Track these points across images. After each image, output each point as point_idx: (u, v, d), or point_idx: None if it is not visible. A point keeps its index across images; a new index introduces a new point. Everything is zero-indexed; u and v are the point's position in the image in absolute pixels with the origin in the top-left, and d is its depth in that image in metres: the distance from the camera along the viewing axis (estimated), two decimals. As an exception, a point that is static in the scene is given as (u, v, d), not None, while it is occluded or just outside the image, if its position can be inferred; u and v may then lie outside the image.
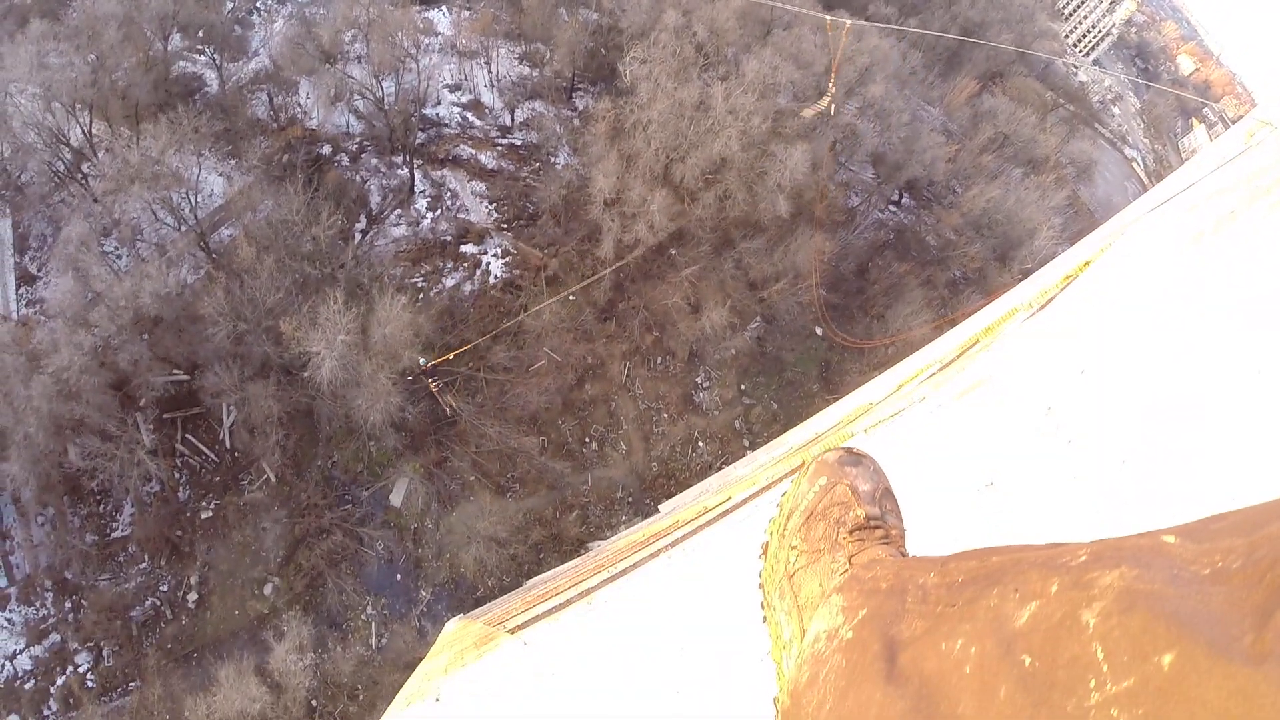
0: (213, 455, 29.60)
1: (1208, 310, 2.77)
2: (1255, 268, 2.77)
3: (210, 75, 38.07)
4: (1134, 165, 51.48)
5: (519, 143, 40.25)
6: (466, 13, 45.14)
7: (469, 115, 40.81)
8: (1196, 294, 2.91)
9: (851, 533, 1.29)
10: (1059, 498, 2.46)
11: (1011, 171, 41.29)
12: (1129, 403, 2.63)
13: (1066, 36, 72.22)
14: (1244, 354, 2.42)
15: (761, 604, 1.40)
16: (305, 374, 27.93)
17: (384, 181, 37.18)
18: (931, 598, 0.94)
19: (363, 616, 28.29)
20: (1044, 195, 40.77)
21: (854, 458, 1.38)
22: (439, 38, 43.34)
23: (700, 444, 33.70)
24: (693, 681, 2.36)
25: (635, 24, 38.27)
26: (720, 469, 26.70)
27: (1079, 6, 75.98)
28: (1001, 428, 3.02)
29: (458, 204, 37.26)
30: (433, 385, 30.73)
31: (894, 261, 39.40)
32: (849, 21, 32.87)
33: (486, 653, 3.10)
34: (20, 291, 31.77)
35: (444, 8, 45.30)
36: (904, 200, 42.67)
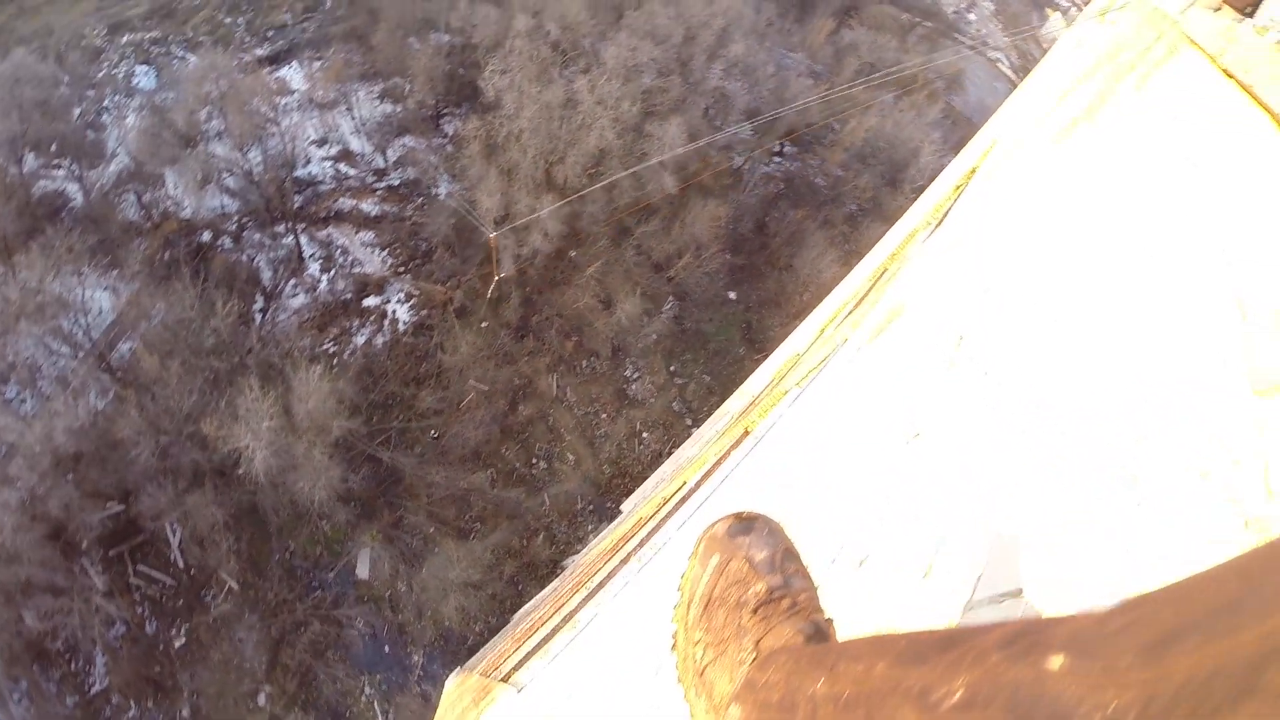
0: (169, 579, 29.02)
1: (1096, 200, 2.69)
2: (1131, 148, 2.74)
3: (73, 188, 36.84)
4: (999, 66, 52.27)
5: (397, 182, 39.67)
6: (317, 63, 44.18)
7: (341, 166, 40.10)
8: (1082, 184, 2.84)
9: (755, 611, 1.18)
10: (984, 437, 2.36)
11: (883, 98, 41.75)
12: (1032, 316, 2.54)
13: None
14: (1136, 239, 2.37)
15: (684, 697, 1.29)
16: (240, 471, 27.54)
17: (271, 255, 36.42)
18: (819, 715, 0.87)
19: (363, 699, 28.05)
20: (919, 113, 41.32)
21: (743, 524, 1.26)
22: (295, 95, 42.40)
23: (644, 435, 33.92)
24: (669, 701, 2.17)
25: (488, 36, 37.87)
26: (670, 454, 26.95)
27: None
28: (919, 368, 2.92)
29: (350, 259, 36.74)
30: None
31: (789, 210, 39.80)
32: (493, 235, 32.82)
33: (486, 708, 2.97)
34: (-69, 465, 30.66)
35: (293, 63, 44.26)
36: (786, 149, 42.97)
